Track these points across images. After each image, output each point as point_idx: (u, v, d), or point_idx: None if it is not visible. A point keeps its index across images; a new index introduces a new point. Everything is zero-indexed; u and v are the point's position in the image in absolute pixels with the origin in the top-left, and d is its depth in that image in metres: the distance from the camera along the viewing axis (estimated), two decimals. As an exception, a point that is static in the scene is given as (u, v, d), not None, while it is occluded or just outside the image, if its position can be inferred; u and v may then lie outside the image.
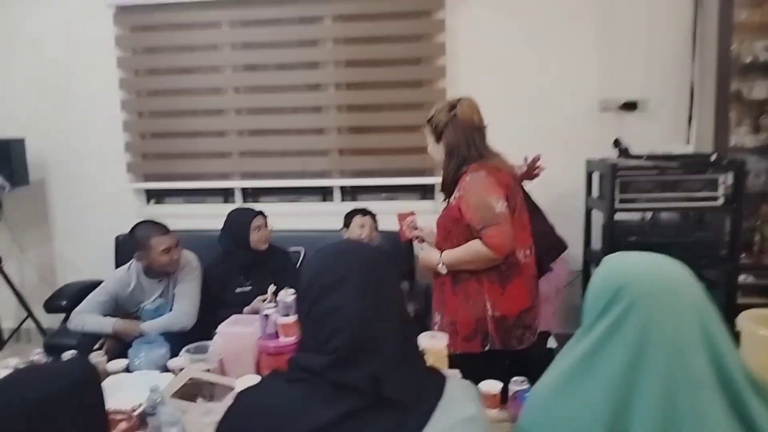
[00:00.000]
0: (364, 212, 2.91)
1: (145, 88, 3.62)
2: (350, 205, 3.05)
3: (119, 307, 2.57)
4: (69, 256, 3.73)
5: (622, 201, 2.72)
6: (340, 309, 0.89)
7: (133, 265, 2.59)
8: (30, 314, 3.41)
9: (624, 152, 2.88)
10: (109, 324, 2.44)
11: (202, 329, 2.47)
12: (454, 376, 0.97)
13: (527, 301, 1.99)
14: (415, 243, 2.26)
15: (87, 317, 2.47)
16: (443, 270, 1.98)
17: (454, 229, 1.97)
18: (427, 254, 2.04)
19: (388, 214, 2.62)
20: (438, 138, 2.02)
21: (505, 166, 2.01)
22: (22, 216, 3.64)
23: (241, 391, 0.95)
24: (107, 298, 2.54)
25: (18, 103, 3.60)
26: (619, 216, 2.75)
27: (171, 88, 3.56)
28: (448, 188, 2.02)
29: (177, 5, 3.41)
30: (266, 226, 2.76)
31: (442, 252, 2.00)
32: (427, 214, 2.07)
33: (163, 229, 2.54)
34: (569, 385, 0.89)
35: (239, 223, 2.74)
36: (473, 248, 1.90)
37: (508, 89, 3.28)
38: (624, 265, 0.94)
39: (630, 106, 3.21)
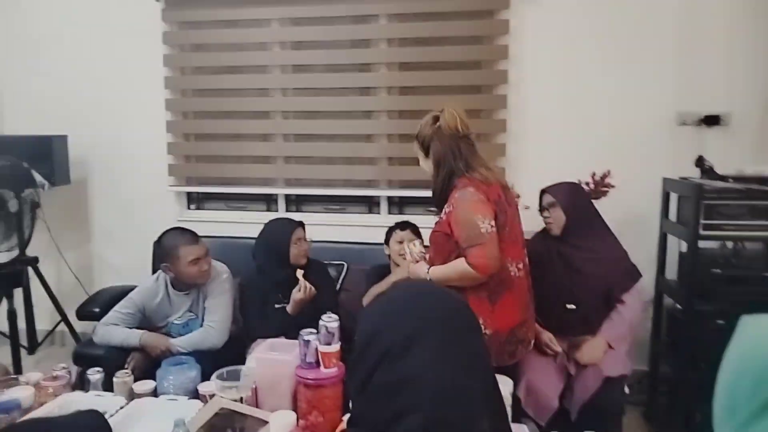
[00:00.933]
0: (403, 226, 2.65)
1: (190, 88, 3.50)
2: (397, 218, 2.82)
3: (146, 321, 2.42)
4: (107, 259, 3.64)
5: (705, 227, 2.41)
6: (412, 380, 0.66)
7: (162, 276, 2.44)
8: (63, 318, 3.31)
9: (708, 172, 2.57)
10: (136, 337, 2.30)
11: (236, 348, 2.31)
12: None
13: (518, 316, 1.98)
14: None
15: (113, 330, 2.33)
16: None
17: (445, 244, 1.95)
18: (416, 269, 2.05)
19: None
20: (426, 152, 2.02)
21: (495, 178, 1.98)
22: (61, 215, 3.55)
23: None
24: (134, 310, 2.39)
25: (62, 99, 3.53)
26: (700, 244, 2.45)
27: (217, 88, 3.42)
28: (439, 202, 2.01)
29: (226, 1, 3.28)
30: (305, 238, 2.56)
31: (430, 267, 2.00)
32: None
33: (192, 238, 2.37)
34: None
35: (279, 236, 2.49)
36: (458, 267, 1.90)
37: (576, 98, 3.01)
38: None
39: (711, 120, 2.89)
